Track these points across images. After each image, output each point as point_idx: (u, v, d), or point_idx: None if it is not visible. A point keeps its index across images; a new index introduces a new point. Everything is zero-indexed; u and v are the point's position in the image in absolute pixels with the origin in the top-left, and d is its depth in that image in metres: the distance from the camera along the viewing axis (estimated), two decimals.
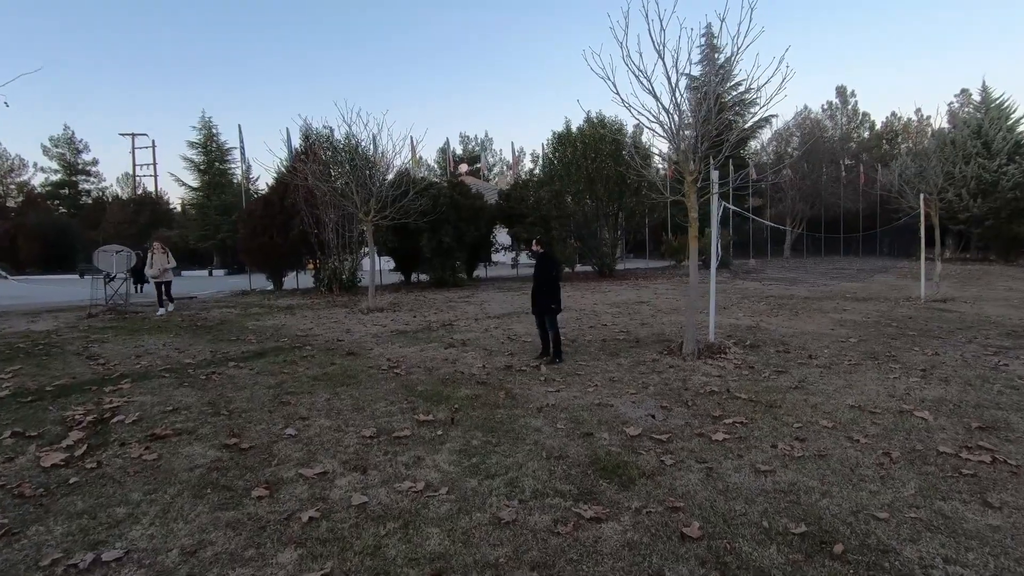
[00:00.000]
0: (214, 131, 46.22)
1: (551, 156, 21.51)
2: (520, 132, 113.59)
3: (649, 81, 6.27)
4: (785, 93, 6.04)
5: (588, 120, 19.88)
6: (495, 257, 22.86)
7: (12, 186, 57.56)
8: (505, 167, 62.61)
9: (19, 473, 3.44)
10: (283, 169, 17.42)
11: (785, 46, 6.14)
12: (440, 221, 15.97)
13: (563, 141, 20.60)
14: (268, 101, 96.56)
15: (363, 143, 13.79)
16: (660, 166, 20.87)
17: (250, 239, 16.96)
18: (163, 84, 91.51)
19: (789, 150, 41.51)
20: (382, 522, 2.81)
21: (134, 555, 2.52)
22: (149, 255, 12.22)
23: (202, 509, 2.95)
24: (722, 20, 5.94)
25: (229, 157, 46.12)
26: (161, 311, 11.64)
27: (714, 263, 7.44)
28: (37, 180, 57.97)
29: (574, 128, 20.85)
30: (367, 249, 13.78)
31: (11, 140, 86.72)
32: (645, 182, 19.19)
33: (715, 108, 6.44)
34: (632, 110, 6.49)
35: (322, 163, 15.36)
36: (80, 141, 57.20)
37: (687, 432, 4.14)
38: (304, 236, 16.09)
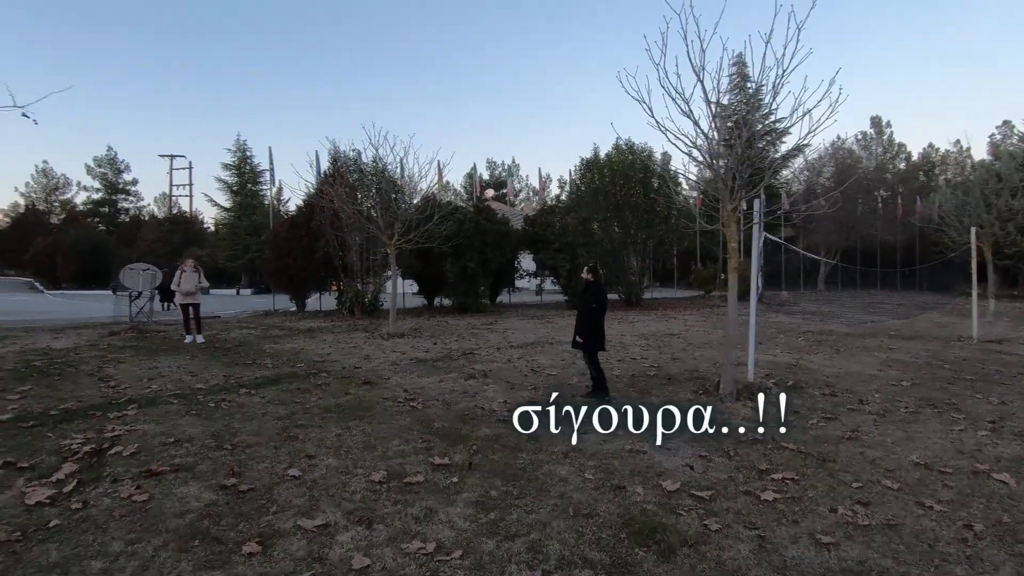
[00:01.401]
0: (248, 153, 47.53)
1: (578, 182, 21.29)
2: (547, 158, 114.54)
3: (687, 104, 5.96)
4: (835, 118, 5.65)
5: (617, 146, 19.67)
6: (519, 283, 22.58)
7: (56, 203, 59.88)
8: (531, 192, 62.81)
9: (0, 511, 3.17)
10: (310, 191, 17.54)
11: (825, 68, 5.77)
12: (464, 246, 15.77)
13: (591, 167, 20.39)
14: (299, 124, 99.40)
15: (390, 166, 13.75)
16: (690, 194, 20.47)
17: (275, 260, 17.01)
18: (202, 107, 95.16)
19: (822, 180, 40.65)
20: None
21: None
22: (179, 273, 10.93)
23: (185, 567, 2.62)
24: (766, 42, 5.62)
25: (261, 179, 47.22)
26: (189, 338, 10.44)
27: (754, 296, 6.98)
28: (80, 198, 60.26)
29: (602, 154, 20.66)
30: (390, 272, 13.60)
31: (58, 159, 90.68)
32: (675, 210, 18.89)
33: (756, 134, 6.08)
34: (668, 135, 6.16)
35: (348, 186, 15.38)
36: (122, 161, 59.45)
37: (731, 489, 3.69)
38: (328, 258, 16.05)
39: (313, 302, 18.78)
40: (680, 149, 6.30)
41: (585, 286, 6.32)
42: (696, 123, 5.99)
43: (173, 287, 11.09)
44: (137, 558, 2.69)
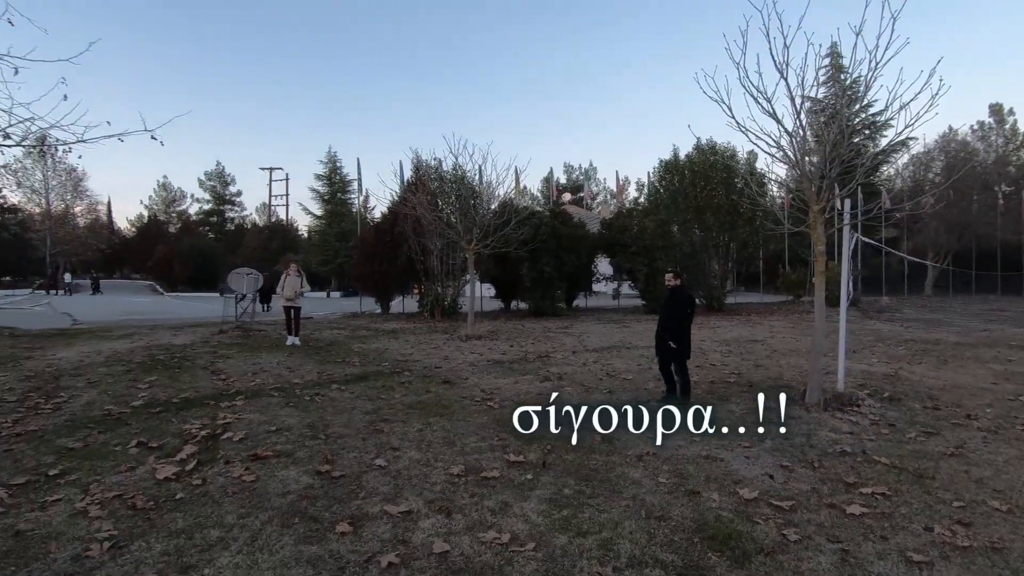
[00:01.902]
0: (338, 164, 50.50)
1: (657, 184, 20.87)
2: (625, 160, 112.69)
3: (770, 103, 5.76)
4: (936, 112, 5.26)
5: (697, 147, 19.11)
6: (595, 287, 22.45)
7: (174, 214, 66.29)
8: (609, 196, 62.15)
9: (136, 483, 3.66)
10: (394, 199, 18.41)
11: (927, 57, 5.39)
12: (541, 250, 15.93)
13: (670, 169, 19.93)
14: (385, 136, 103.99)
15: (468, 173, 14.18)
16: (777, 194, 19.48)
17: (362, 265, 17.98)
18: (298, 123, 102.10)
19: (930, 175, 37.23)
20: None
21: None
22: (283, 277, 11.19)
23: (287, 540, 2.92)
24: (857, 33, 5.34)
25: (349, 188, 49.99)
26: (291, 340, 10.60)
27: (844, 301, 6.60)
28: (193, 209, 66.38)
29: (682, 155, 20.15)
30: (469, 276, 14.01)
31: (175, 174, 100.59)
32: (760, 211, 18.05)
33: (846, 131, 5.77)
34: (749, 135, 5.98)
35: (430, 193, 16.00)
36: (229, 175, 64.91)
37: (814, 500, 3.56)
38: (411, 263, 16.76)
39: (396, 305, 19.65)
40: (763, 150, 6.10)
41: (671, 291, 6.15)
42: (779, 122, 5.78)
43: (278, 291, 11.62)
44: (247, 530, 3.03)
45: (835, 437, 4.92)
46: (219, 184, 64.41)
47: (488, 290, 21.08)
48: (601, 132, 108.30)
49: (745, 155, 21.27)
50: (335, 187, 50.20)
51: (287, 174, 61.66)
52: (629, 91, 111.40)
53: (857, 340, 12.07)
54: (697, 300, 20.58)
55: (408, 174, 18.27)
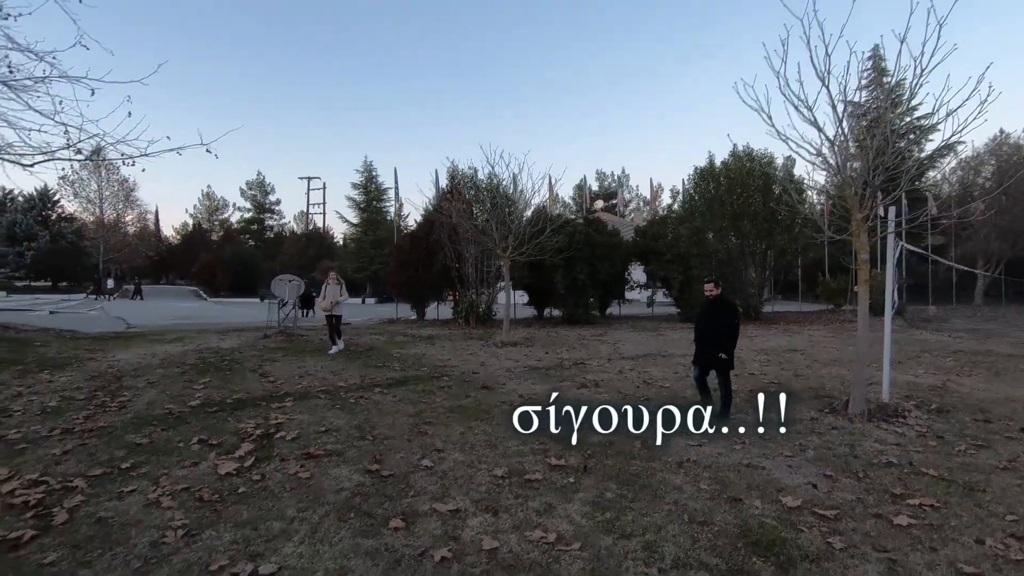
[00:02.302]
0: (373, 173, 51.66)
1: (692, 192, 20.68)
2: (657, 167, 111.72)
3: (811, 111, 5.75)
4: (985, 118, 5.17)
5: (734, 153, 18.88)
6: (629, 295, 22.34)
7: (216, 222, 68.72)
8: (642, 203, 61.68)
9: (201, 477, 3.89)
10: (430, 207, 18.77)
11: (977, 59, 5.30)
12: (575, 258, 15.99)
13: (705, 176, 19.71)
14: (420, 145, 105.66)
15: (504, 182, 14.38)
16: (816, 201, 19.08)
17: (398, 272, 18.36)
18: (334, 132, 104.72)
19: (980, 180, 35.79)
20: (513, 573, 2.72)
21: (285, 573, 2.69)
22: (324, 286, 11.09)
23: (345, 534, 3.08)
24: (901, 40, 5.29)
25: (384, 196, 51.04)
26: (334, 349, 10.54)
27: (889, 311, 6.49)
28: (234, 217, 68.70)
29: (718, 162, 19.92)
30: (503, 284, 14.18)
31: (218, 184, 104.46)
32: (799, 218, 17.72)
33: (893, 134, 5.70)
34: (790, 143, 5.97)
35: (465, 202, 16.27)
36: (269, 184, 67.02)
37: (859, 510, 3.55)
38: (446, 270, 17.04)
39: (431, 311, 19.96)
40: (804, 158, 6.08)
41: (711, 300, 5.87)
42: (820, 129, 5.76)
43: (318, 303, 11.36)
44: (307, 523, 3.21)
45: (880, 448, 4.85)
46: (259, 193, 66.55)
47: (521, 297, 21.21)
48: (634, 139, 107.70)
49: (783, 161, 20.91)
50: (371, 195, 51.36)
51: (324, 183, 63.40)
52: (663, 97, 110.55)
53: (902, 351, 11.73)
54: None
55: (444, 183, 18.61)
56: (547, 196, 20.31)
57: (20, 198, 46.04)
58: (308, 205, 63.55)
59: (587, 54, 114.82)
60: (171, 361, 8.85)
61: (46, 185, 47.71)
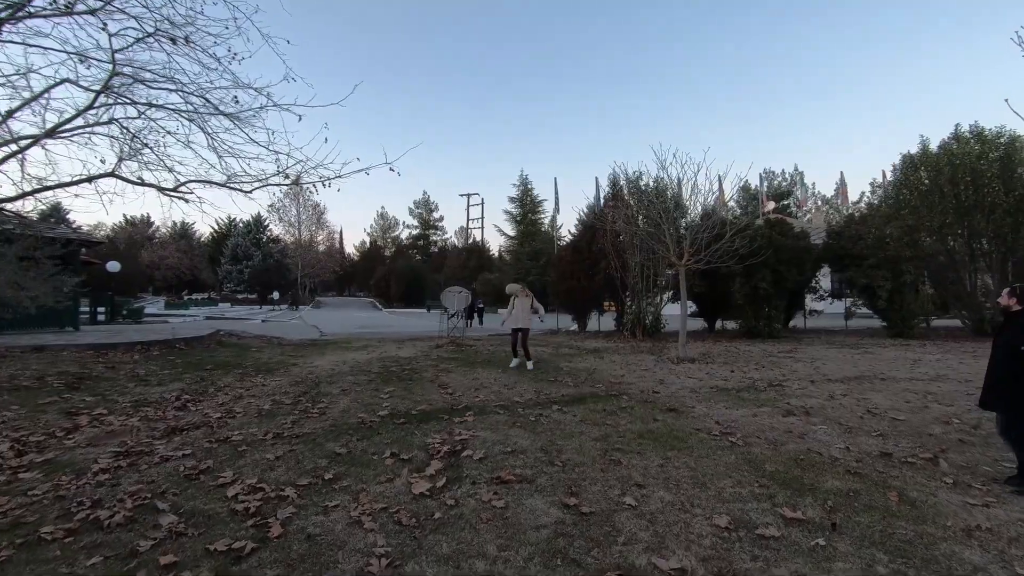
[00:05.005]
0: (529, 186, 53.02)
1: (899, 183, 17.55)
2: (844, 160, 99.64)
3: None
4: None
5: (957, 136, 15.67)
6: (814, 305, 19.71)
7: (389, 239, 75.83)
8: (820, 201, 55.21)
9: (397, 496, 3.77)
10: (589, 215, 18.34)
11: None
12: (756, 264, 14.39)
13: (917, 164, 16.59)
14: (579, 153, 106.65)
15: (674, 184, 13.42)
16: None
17: (560, 282, 18.17)
18: (491, 148, 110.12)
19: None
20: None
21: None
22: (512, 300, 10.42)
23: None
24: None
25: (540, 208, 52.06)
26: (515, 361, 10.11)
27: None
28: (404, 234, 75.25)
29: (933, 147, 16.66)
30: (676, 293, 13.16)
31: (390, 204, 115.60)
32: None
33: None
34: None
35: (630, 207, 15.54)
36: (433, 202, 72.30)
37: None
38: (609, 279, 16.43)
39: (592, 322, 19.45)
40: None
41: (1008, 316, 4.23)
42: None
43: (505, 317, 10.54)
44: (512, 566, 2.84)
45: None
46: (425, 211, 72.08)
47: (688, 307, 19.81)
48: (807, 133, 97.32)
49: None
50: (526, 208, 52.74)
51: (482, 199, 66.58)
52: (844, 87, 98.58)
53: None
54: (960, 323, 16.90)
55: (605, 190, 18.08)
56: (719, 198, 18.72)
57: (240, 224, 55.23)
58: (468, 220, 67.22)
59: (760, 48, 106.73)
60: (359, 369, 9.43)
61: (259, 213, 56.59)
